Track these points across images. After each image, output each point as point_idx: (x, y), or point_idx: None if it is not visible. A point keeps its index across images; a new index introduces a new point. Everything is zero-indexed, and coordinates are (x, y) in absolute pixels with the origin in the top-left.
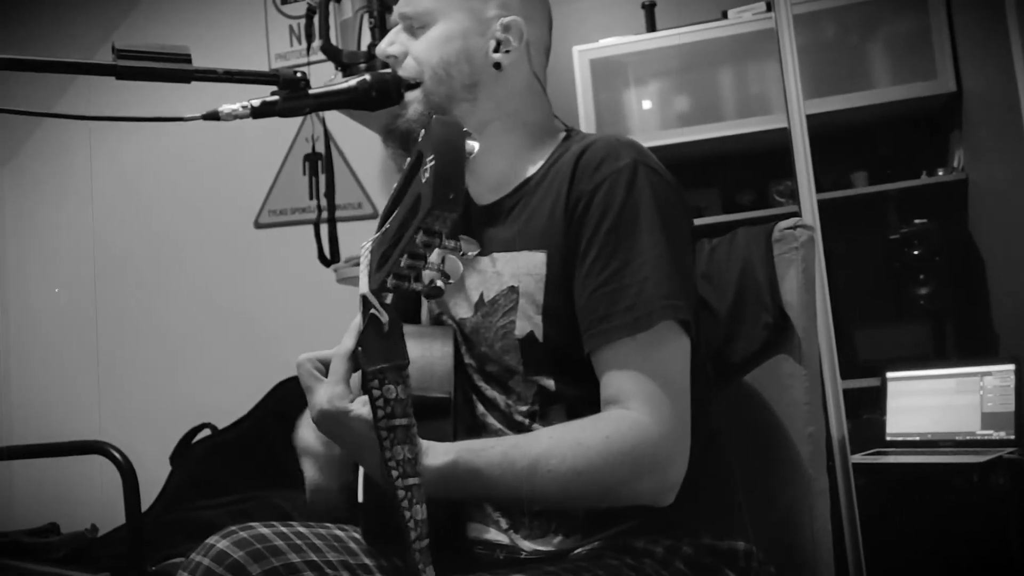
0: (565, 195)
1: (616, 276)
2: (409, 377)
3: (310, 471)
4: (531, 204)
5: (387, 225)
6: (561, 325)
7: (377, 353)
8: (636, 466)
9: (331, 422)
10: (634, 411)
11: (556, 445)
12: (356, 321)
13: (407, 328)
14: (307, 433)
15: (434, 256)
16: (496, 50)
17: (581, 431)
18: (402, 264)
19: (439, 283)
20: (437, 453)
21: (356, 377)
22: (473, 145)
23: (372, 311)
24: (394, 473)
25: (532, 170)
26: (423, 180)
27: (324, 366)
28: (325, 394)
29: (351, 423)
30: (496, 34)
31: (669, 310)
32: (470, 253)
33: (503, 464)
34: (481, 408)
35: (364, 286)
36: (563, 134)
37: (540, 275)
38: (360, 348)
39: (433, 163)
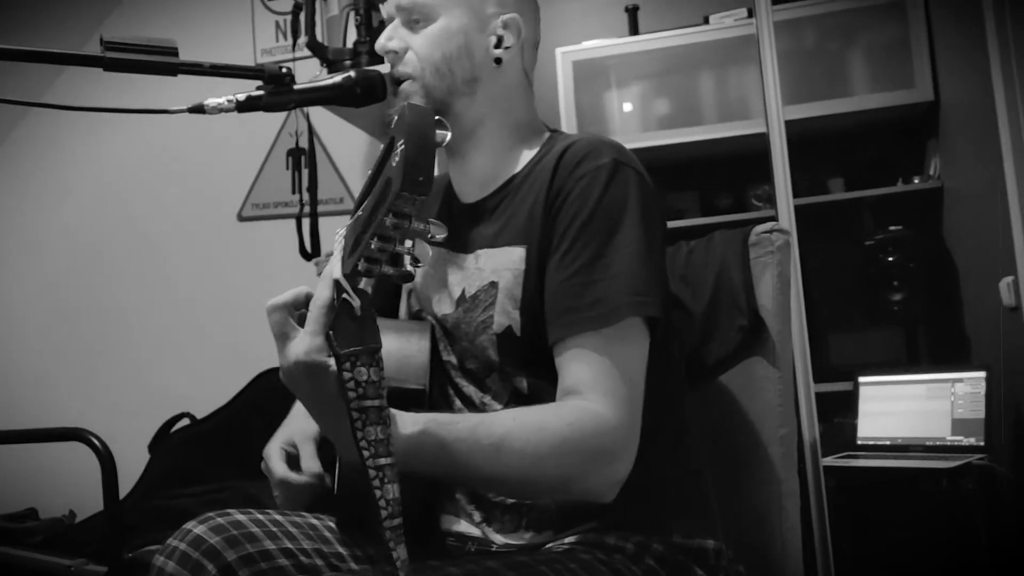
0: (545, 192)
1: (585, 270)
2: (382, 360)
3: (278, 499)
4: (514, 202)
5: (359, 211)
6: (538, 320)
7: (349, 336)
8: (593, 457)
9: (305, 375)
10: (593, 403)
11: (520, 427)
12: (328, 270)
13: (386, 322)
14: (275, 458)
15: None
16: (497, 46)
17: (545, 416)
18: (372, 247)
19: (409, 267)
20: (406, 423)
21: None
22: (445, 134)
23: (344, 295)
24: (365, 453)
25: (517, 168)
26: (393, 164)
27: (302, 300)
28: (303, 345)
29: (325, 379)
30: (496, 31)
31: (636, 307)
32: (438, 236)
33: (469, 440)
34: (458, 403)
35: (337, 270)
36: (547, 134)
37: (519, 270)
38: (332, 331)
39: (403, 147)
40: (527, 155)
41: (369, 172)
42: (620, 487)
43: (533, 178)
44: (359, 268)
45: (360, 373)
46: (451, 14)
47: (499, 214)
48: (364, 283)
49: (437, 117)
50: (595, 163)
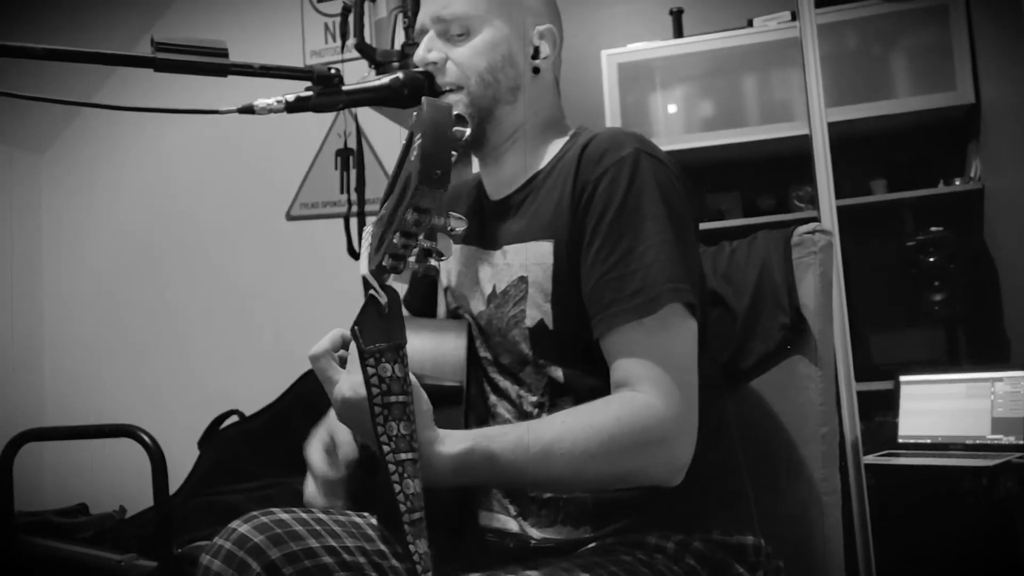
0: (571, 186)
1: (621, 262)
2: (407, 357)
3: (310, 488)
4: (539, 197)
5: (383, 208)
6: (570, 313)
7: (375, 333)
8: (646, 447)
9: (355, 410)
10: (643, 393)
11: (568, 428)
12: (363, 265)
13: (423, 321)
14: (315, 454)
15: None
16: (535, 56)
17: (593, 414)
18: (396, 243)
19: (432, 261)
20: (454, 441)
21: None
22: (464, 131)
23: (371, 292)
24: (386, 448)
25: (542, 164)
26: (412, 159)
27: (342, 343)
28: (348, 382)
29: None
30: (533, 41)
31: (674, 293)
32: (459, 229)
33: (517, 450)
34: (493, 398)
35: (364, 267)
36: (572, 131)
37: (548, 264)
38: (357, 328)
39: (420, 142)
40: (552, 151)
41: (392, 170)
42: (685, 470)
43: (557, 173)
44: (384, 264)
45: (384, 369)
46: (493, 25)
47: (525, 210)
48: (392, 279)
49: (456, 113)
50: (618, 155)
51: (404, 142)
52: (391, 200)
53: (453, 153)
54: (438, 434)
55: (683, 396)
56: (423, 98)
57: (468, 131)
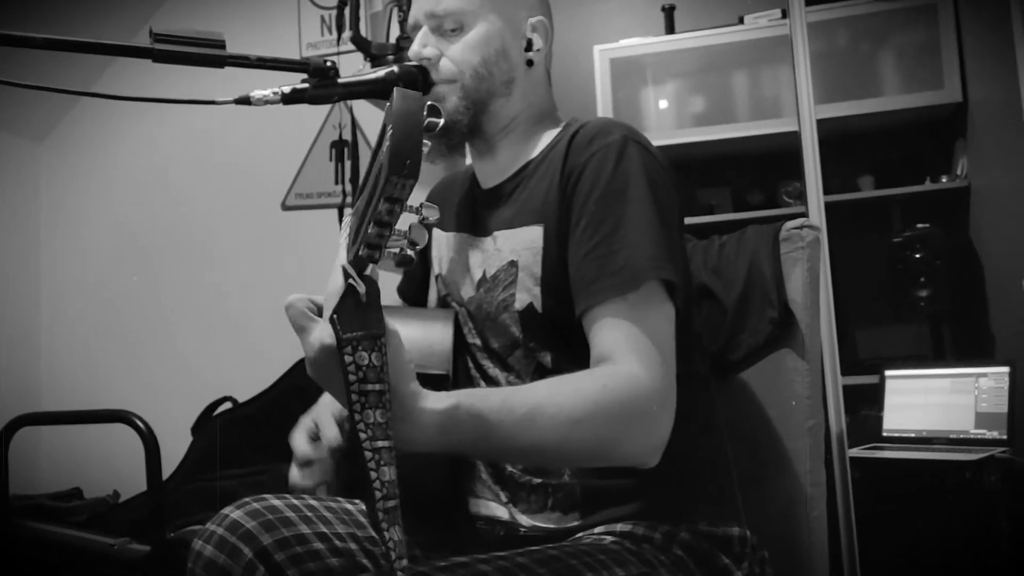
0: (560, 172)
1: (606, 241)
2: (385, 346)
3: (295, 474)
4: (530, 184)
5: (359, 200)
6: (559, 296)
7: (352, 321)
8: (631, 419)
9: (331, 360)
10: (627, 365)
11: (555, 393)
12: (341, 255)
13: (411, 310)
14: (298, 438)
15: (400, 224)
16: (528, 48)
17: (578, 380)
18: (371, 233)
19: (408, 251)
20: (439, 398)
21: None
22: (437, 121)
23: (350, 281)
24: (363, 436)
25: (534, 153)
26: (383, 150)
27: (317, 308)
28: (326, 330)
29: None
30: (527, 33)
31: (656, 271)
32: (431, 218)
33: (503, 410)
34: (483, 385)
35: (342, 257)
36: (564, 122)
37: (537, 248)
38: (336, 316)
39: (390, 132)
40: (544, 141)
41: (368, 161)
42: (661, 451)
43: (549, 161)
44: (361, 254)
45: (361, 358)
46: (487, 20)
47: (516, 197)
48: (371, 269)
49: (429, 103)
50: (606, 140)
51: (379, 133)
52: (365, 191)
53: (426, 143)
54: (422, 390)
55: (665, 372)
56: (394, 88)
57: (441, 121)
